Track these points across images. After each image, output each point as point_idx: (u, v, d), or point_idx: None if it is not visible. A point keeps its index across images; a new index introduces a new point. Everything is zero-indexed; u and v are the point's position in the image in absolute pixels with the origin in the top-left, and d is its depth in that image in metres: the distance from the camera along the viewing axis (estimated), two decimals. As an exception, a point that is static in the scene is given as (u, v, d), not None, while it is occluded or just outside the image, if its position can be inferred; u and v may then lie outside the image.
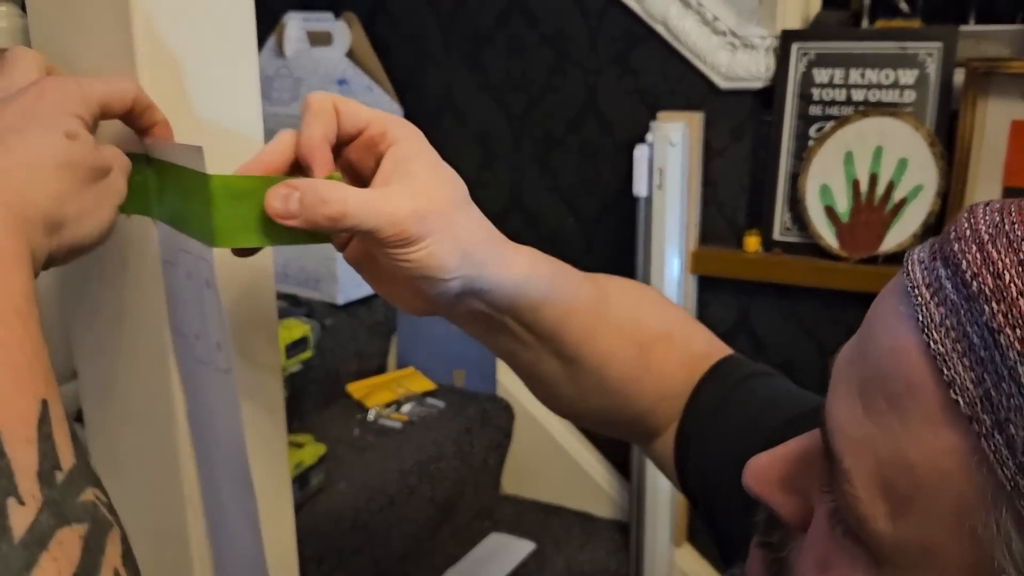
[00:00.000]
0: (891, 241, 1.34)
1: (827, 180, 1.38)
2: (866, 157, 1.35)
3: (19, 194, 0.39)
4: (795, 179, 1.41)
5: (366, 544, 1.31)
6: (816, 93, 1.39)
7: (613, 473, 1.69)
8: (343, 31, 1.65)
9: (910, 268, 0.34)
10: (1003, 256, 0.30)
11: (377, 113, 0.48)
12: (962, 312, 0.30)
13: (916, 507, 0.32)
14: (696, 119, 1.44)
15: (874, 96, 1.36)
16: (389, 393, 1.65)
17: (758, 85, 1.41)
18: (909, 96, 1.33)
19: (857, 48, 1.36)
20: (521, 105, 1.61)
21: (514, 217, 1.65)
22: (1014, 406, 0.29)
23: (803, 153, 1.40)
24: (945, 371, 0.30)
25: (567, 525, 1.64)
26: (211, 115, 0.53)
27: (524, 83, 1.60)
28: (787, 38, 1.39)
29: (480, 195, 1.82)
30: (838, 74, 1.38)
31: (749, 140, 1.44)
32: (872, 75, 1.35)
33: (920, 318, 0.31)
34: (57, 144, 0.41)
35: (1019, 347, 0.29)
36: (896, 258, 1.34)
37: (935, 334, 0.31)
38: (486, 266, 0.49)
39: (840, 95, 1.38)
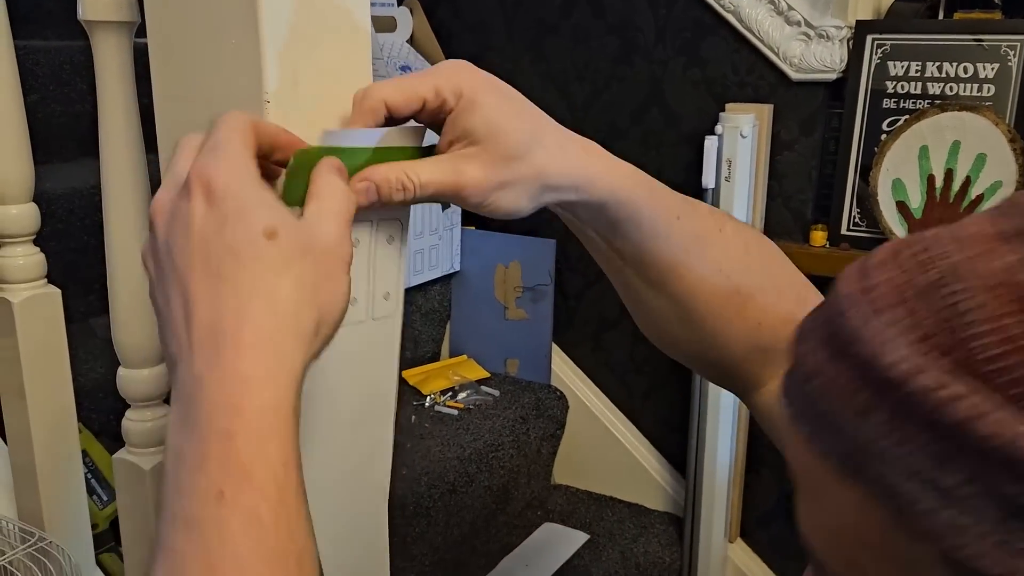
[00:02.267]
0: (966, 238, 1.31)
1: (900, 175, 1.35)
2: (942, 152, 1.32)
3: (277, 350, 0.39)
4: (865, 173, 1.38)
5: (426, 531, 1.31)
6: (890, 86, 1.37)
7: (666, 466, 1.68)
8: (406, 17, 1.65)
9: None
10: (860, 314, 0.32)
11: (431, 83, 0.49)
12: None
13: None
14: (765, 111, 1.42)
15: (951, 90, 1.33)
16: (444, 380, 1.66)
17: (831, 77, 1.38)
18: (988, 90, 1.30)
19: (934, 40, 1.33)
20: (584, 95, 1.60)
21: (573, 207, 1.64)
22: (868, 455, 0.30)
23: (875, 147, 1.37)
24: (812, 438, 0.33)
25: (620, 517, 1.64)
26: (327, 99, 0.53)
27: (588, 73, 1.59)
28: (861, 29, 1.36)
29: None
30: (914, 67, 1.35)
31: (819, 133, 1.42)
32: (949, 68, 1.32)
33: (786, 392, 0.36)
34: (274, 260, 0.40)
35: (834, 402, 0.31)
36: (970, 256, 1.31)
37: (794, 404, 0.34)
38: (564, 191, 0.52)
39: (915, 88, 1.35)
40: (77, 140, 1.43)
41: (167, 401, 0.73)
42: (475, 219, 1.76)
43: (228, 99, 0.52)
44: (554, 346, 1.73)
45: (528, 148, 0.50)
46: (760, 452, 1.58)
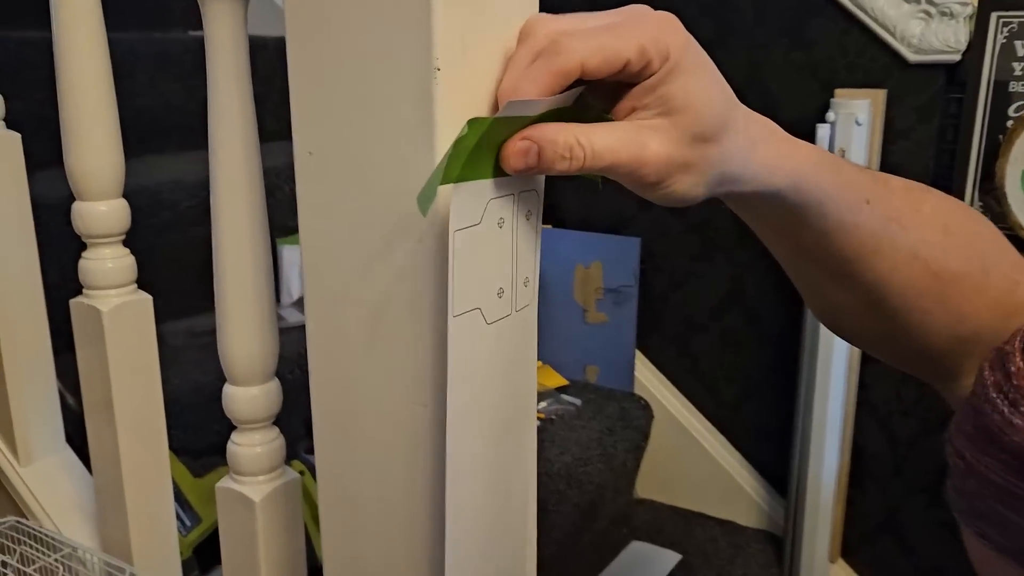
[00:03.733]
0: (1112, 233, 1.20)
1: (1033, 164, 1.23)
2: (1083, 139, 1.20)
3: None
4: (990, 164, 1.27)
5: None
6: (1018, 68, 1.25)
7: (760, 480, 1.57)
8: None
9: None
10: None
11: (635, 42, 0.40)
12: None
13: None
14: (879, 96, 1.31)
15: (1091, 70, 1.21)
16: (522, 389, 1.56)
17: (955, 58, 1.26)
18: None
19: (1070, 16, 1.21)
20: (672, 82, 1.49)
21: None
22: None
23: (1000, 135, 1.26)
24: None
25: (711, 535, 1.53)
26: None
27: (676, 59, 1.49)
28: (985, 6, 1.25)
29: None
30: (1047, 45, 1.23)
31: (937, 120, 1.30)
32: (1089, 46, 1.20)
33: None
34: None
35: None
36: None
37: None
38: (741, 183, 0.45)
39: (1049, 69, 1.23)
40: (138, 136, 1.37)
41: (277, 422, 0.65)
42: (553, 217, 1.66)
43: (388, 71, 0.43)
44: (637, 352, 1.63)
45: (723, 129, 0.43)
46: (866, 465, 1.47)
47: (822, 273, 0.52)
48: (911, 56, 1.29)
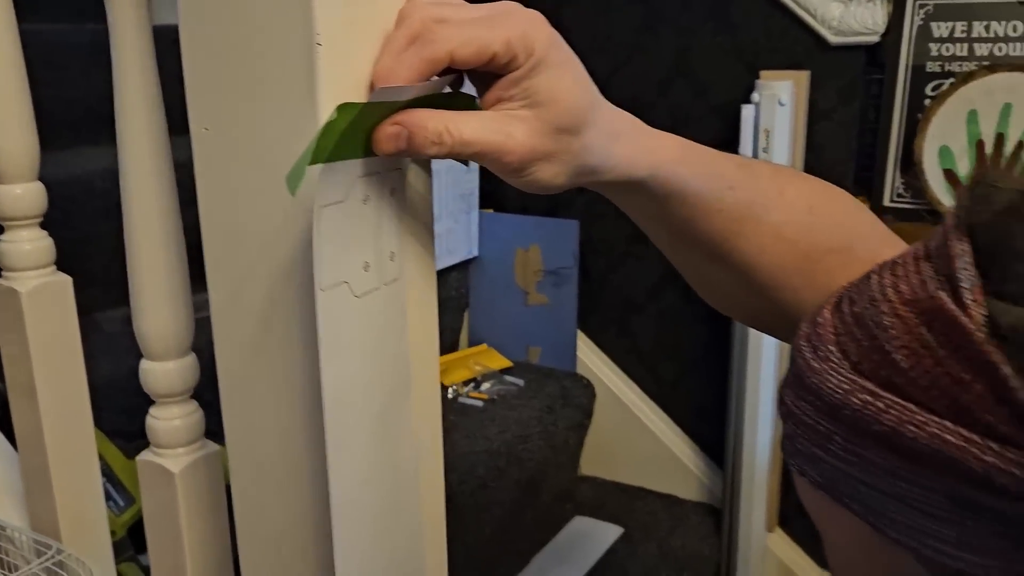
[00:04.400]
0: (1020, 207, 1.25)
1: (947, 141, 1.29)
2: (992, 116, 1.25)
3: None
4: (909, 141, 1.32)
5: (457, 529, 1.24)
6: (934, 48, 1.30)
7: (700, 454, 1.62)
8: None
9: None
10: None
11: (503, 36, 0.43)
12: None
13: None
14: (802, 78, 1.35)
15: (1000, 50, 1.26)
16: (466, 371, 1.59)
17: (873, 40, 1.31)
18: (1041, 49, 1.23)
19: (980, -1, 1.26)
20: (606, 68, 1.52)
21: (596, 186, 1.57)
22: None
23: (919, 113, 1.31)
24: None
25: (652, 508, 1.57)
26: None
27: (610, 45, 1.52)
28: (901, -11, 1.30)
29: None
30: (959, 27, 1.28)
31: (859, 101, 1.35)
32: (998, 28, 1.25)
33: None
34: None
35: None
36: (1024, 225, 1.25)
37: None
38: (602, 173, 0.48)
39: (961, 50, 1.28)
40: (71, 127, 1.36)
41: (195, 396, 0.66)
42: (492, 201, 1.68)
43: (272, 46, 0.44)
44: (578, 332, 1.66)
45: (584, 123, 0.46)
46: (799, 437, 1.52)
47: (694, 254, 0.55)
48: (832, 38, 1.33)
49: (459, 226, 1.62)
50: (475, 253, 1.67)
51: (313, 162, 0.40)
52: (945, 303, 0.29)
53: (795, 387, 0.35)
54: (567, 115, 0.45)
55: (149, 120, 0.59)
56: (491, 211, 1.67)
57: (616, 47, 1.51)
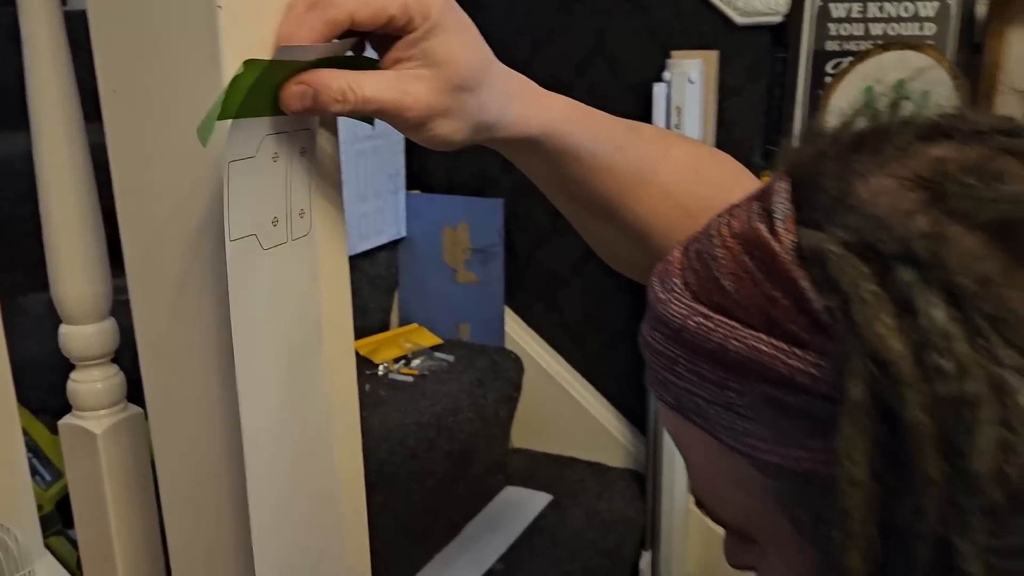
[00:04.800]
0: (913, 176, 1.33)
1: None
2: (887, 91, 1.33)
3: None
4: (814, 116, 1.39)
5: (389, 499, 1.27)
6: (833, 28, 1.37)
7: (626, 423, 1.67)
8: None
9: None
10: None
11: (402, 2, 0.46)
12: None
13: None
14: (711, 57, 1.41)
15: (893, 30, 1.33)
16: (396, 348, 1.61)
17: (776, 20, 1.38)
18: (930, 29, 1.31)
19: (874, -19, 1.34)
20: (527, 50, 1.56)
21: (520, 165, 1.61)
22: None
23: (820, 90, 1.38)
24: None
25: (581, 476, 1.63)
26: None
27: (528, 26, 1.55)
28: (802, -28, 1.36)
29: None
30: (856, 8, 1.35)
31: (765, 78, 1.42)
32: (891, 8, 1.33)
33: None
34: None
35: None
36: (917, 194, 1.33)
37: None
38: (498, 130, 0.51)
39: (858, 30, 1.35)
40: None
41: (115, 360, 0.68)
42: (419, 182, 1.71)
43: (174, 9, 0.47)
44: (506, 308, 1.70)
45: (478, 82, 0.49)
46: (717, 402, 1.59)
47: (589, 213, 0.58)
48: (738, 19, 1.39)
49: (387, 206, 1.64)
50: (403, 233, 1.69)
51: (222, 117, 0.43)
52: (762, 232, 0.34)
53: (649, 320, 0.39)
54: (463, 74, 0.48)
55: (61, 97, 0.60)
56: (418, 192, 1.70)
57: (536, 29, 1.55)
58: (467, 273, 1.69)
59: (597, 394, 1.69)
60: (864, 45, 1.35)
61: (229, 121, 0.44)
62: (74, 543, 0.95)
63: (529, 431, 1.73)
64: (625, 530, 1.51)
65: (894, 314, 0.29)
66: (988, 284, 0.29)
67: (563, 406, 1.69)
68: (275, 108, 0.46)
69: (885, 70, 1.32)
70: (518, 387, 1.68)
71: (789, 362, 0.32)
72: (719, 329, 0.34)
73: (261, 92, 0.45)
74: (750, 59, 1.41)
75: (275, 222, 0.49)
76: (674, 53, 1.42)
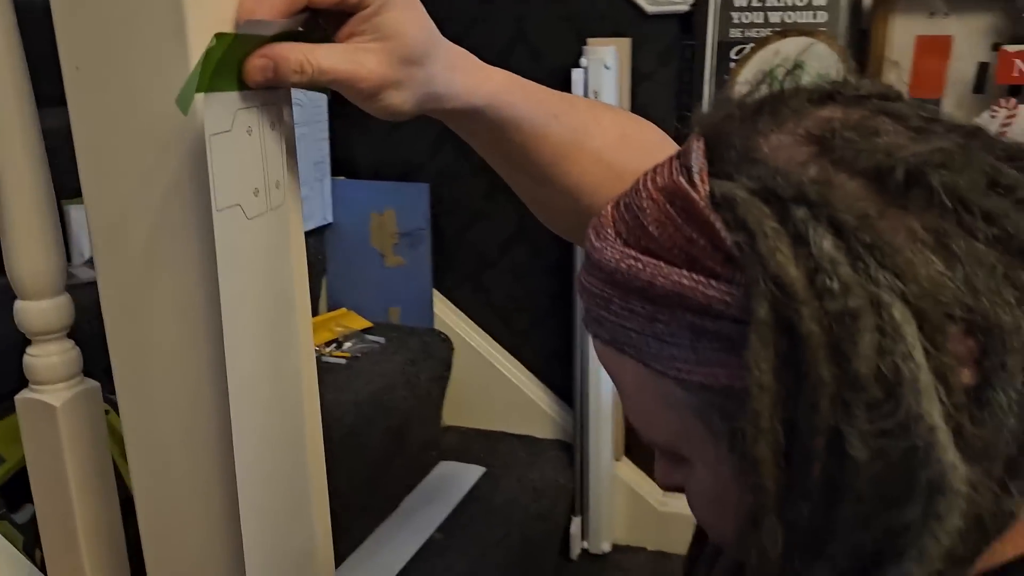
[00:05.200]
0: (811, 154, 1.44)
1: (750, 99, 1.45)
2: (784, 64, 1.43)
3: None
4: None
5: (329, 475, 1.30)
6: (736, 17, 1.46)
7: (553, 397, 1.74)
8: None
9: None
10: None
11: None
12: None
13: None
14: (625, 44, 1.48)
15: (790, 18, 1.43)
16: (327, 332, 1.64)
17: (684, 9, 1.46)
18: (822, 16, 1.41)
19: (772, -28, 1.43)
20: (450, 36, 1.59)
21: (445, 148, 1.66)
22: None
23: (725, 75, 1.47)
24: None
25: (512, 448, 1.69)
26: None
27: (453, 15, 1.59)
28: (707, -36, 1.45)
29: (408, 130, 1.84)
30: (756, -2, 1.45)
31: (675, 64, 1.50)
32: (787, -2, 1.43)
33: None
34: None
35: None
36: (816, 170, 1.44)
37: None
38: (445, 101, 0.56)
39: (758, 18, 1.45)
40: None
41: (71, 335, 0.70)
42: (345, 169, 1.74)
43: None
44: (435, 291, 1.75)
45: (425, 55, 0.53)
46: (639, 372, 1.67)
47: (528, 178, 0.63)
48: (649, 8, 1.47)
49: (313, 193, 1.66)
50: (330, 219, 1.72)
51: (199, 89, 0.46)
52: (681, 184, 0.40)
53: (586, 267, 0.44)
54: (412, 47, 0.52)
55: (13, 80, 0.62)
56: (343, 178, 1.72)
57: (459, 17, 1.59)
58: (395, 257, 1.73)
59: (525, 370, 1.75)
60: (764, 32, 1.45)
61: (201, 96, 0.47)
62: (19, 527, 0.96)
63: (460, 409, 1.79)
64: (556, 495, 1.58)
65: (791, 245, 0.35)
66: (866, 219, 0.35)
67: (493, 383, 1.75)
68: (241, 83, 0.50)
69: (783, 56, 1.42)
70: (448, 366, 1.73)
71: (707, 292, 0.38)
72: (647, 268, 0.39)
73: (228, 67, 0.49)
74: (660, 46, 1.50)
75: (256, 192, 0.53)
76: (590, 40, 1.49)
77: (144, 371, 0.58)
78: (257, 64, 0.49)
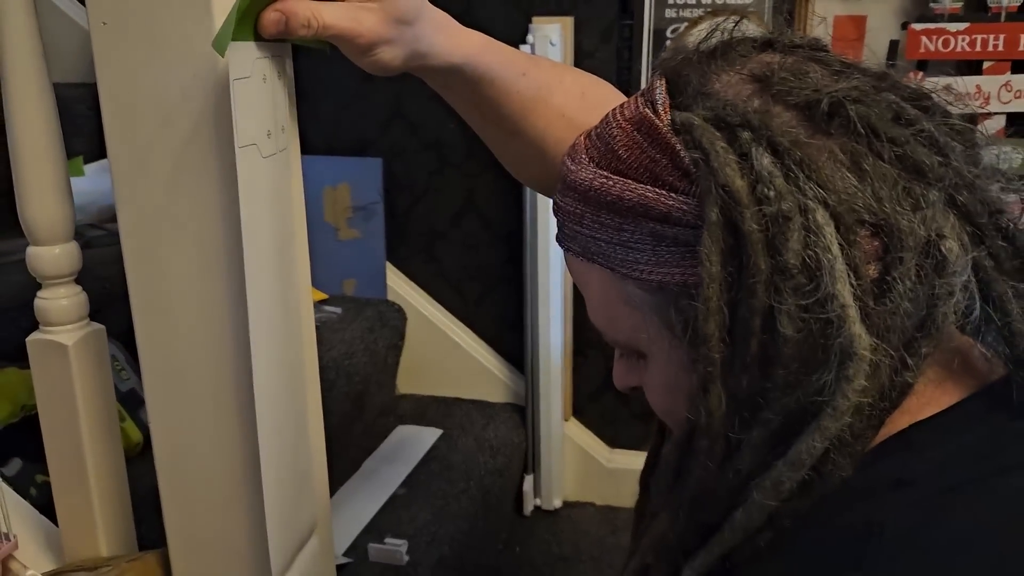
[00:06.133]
0: (742, 125, 1.55)
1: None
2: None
3: None
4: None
5: (297, 435, 1.36)
6: (671, -2, 1.56)
7: (504, 363, 1.82)
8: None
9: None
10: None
11: None
12: None
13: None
14: (568, 22, 1.56)
15: (721, -1, 1.54)
16: (285, 305, 1.68)
17: (623, -11, 1.55)
18: (750, -3, 1.53)
19: (703, -44, 1.53)
20: (397, 15, 1.66)
21: (396, 122, 1.71)
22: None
23: (662, 52, 1.57)
24: None
25: (467, 411, 1.76)
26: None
27: (398, -6, 1.65)
28: (643, -53, 1.54)
29: (361, 106, 1.91)
30: (689, -21, 1.55)
31: (615, 42, 1.59)
32: (718, -20, 1.54)
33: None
34: None
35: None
36: (746, 140, 1.55)
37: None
38: (429, 59, 0.63)
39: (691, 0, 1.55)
40: None
41: (78, 281, 0.75)
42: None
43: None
44: (387, 263, 1.81)
45: (416, 17, 0.61)
46: (587, 337, 1.77)
47: (500, 132, 0.71)
48: (590, -12, 1.55)
49: (266, 170, 1.69)
50: (284, 195, 1.76)
51: (234, 37, 0.52)
52: (647, 114, 0.48)
53: (560, 190, 0.52)
54: (404, 9, 0.60)
55: (30, 44, 0.67)
56: (297, 154, 1.76)
57: (405, -3, 1.65)
58: (350, 231, 1.78)
59: (477, 338, 1.82)
60: (697, 13, 1.55)
61: (228, 43, 0.53)
62: (8, 480, 0.99)
63: (415, 377, 1.85)
64: (511, 453, 1.66)
65: (737, 162, 0.44)
66: (797, 142, 0.44)
67: (446, 351, 1.82)
68: (256, 35, 0.56)
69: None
70: (402, 335, 1.80)
71: (667, 202, 0.46)
72: (616, 185, 0.47)
73: (248, 18, 0.55)
74: (602, 25, 1.58)
75: (269, 134, 0.59)
76: (535, 19, 1.57)
77: (165, 299, 0.64)
78: (272, 17, 0.56)
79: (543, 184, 0.77)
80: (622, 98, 0.76)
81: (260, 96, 0.58)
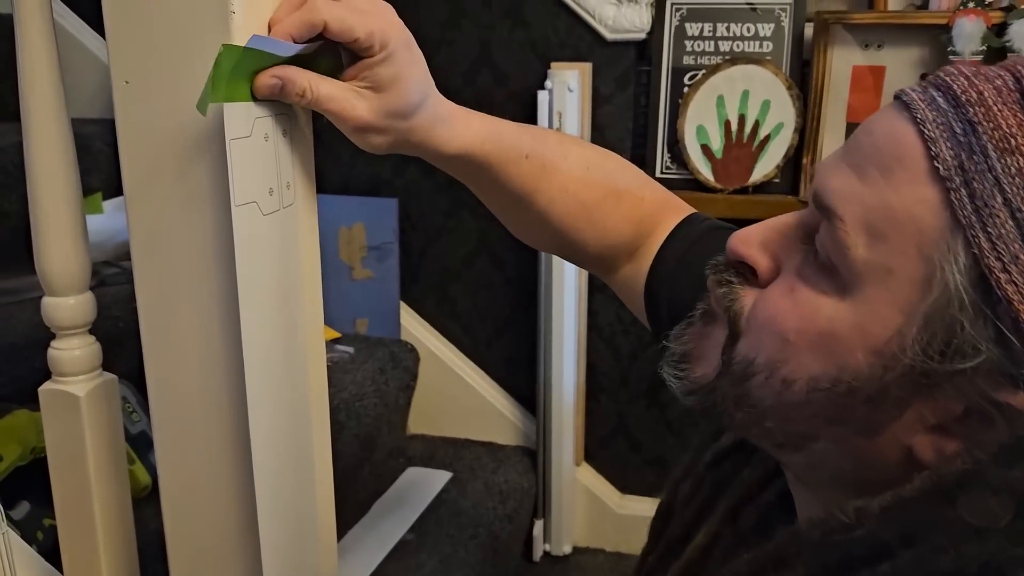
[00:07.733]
0: (759, 172, 1.55)
1: (702, 121, 1.56)
2: (735, 100, 1.54)
3: None
4: (673, 122, 1.58)
5: (305, 477, 1.35)
6: (689, 45, 1.57)
7: (515, 404, 1.81)
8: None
9: (905, 93, 0.45)
10: (982, 83, 0.44)
11: (368, 27, 0.56)
12: (950, 115, 0.42)
13: (889, 239, 0.42)
14: (586, 68, 1.57)
15: (738, 47, 1.55)
16: (298, 343, 1.68)
17: (641, 36, 1.56)
18: (768, 46, 1.53)
19: (720, 5, 1.54)
20: (416, 58, 1.67)
21: (412, 163, 1.72)
22: (978, 171, 0.41)
23: (679, 99, 1.57)
24: (932, 147, 0.42)
25: (477, 455, 1.75)
26: None
27: (418, 38, 1.66)
28: (661, -5, 1.55)
29: None
30: (707, 27, 1.56)
31: (632, 88, 1.60)
32: (735, 28, 1.54)
33: (917, 115, 0.43)
34: None
35: (990, 134, 0.41)
36: (763, 188, 1.55)
37: (928, 125, 0.42)
38: (419, 150, 0.63)
39: (709, 46, 1.56)
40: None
41: (92, 331, 0.74)
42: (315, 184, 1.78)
43: (190, 10, 0.56)
44: (401, 302, 1.81)
45: (411, 112, 0.60)
46: (598, 380, 1.75)
47: (505, 205, 0.71)
48: (608, 35, 1.56)
49: (283, 208, 1.70)
50: (299, 233, 1.76)
51: (212, 99, 0.52)
52: None
53: (1016, 89, 0.42)
54: (401, 104, 0.59)
55: (52, 90, 0.67)
56: (313, 193, 1.77)
57: (425, 40, 1.65)
58: (363, 270, 1.78)
59: (489, 379, 1.82)
60: (714, 60, 1.55)
61: (224, 105, 0.53)
62: (16, 524, 0.98)
63: (426, 417, 1.84)
64: (521, 498, 1.64)
65: None
66: None
67: (457, 392, 1.81)
68: (254, 96, 0.56)
69: (733, 81, 1.53)
70: (415, 376, 1.79)
71: None
72: None
73: (243, 81, 0.55)
74: (619, 71, 1.59)
75: (271, 192, 0.59)
76: (553, 64, 1.58)
77: (176, 346, 0.64)
78: (268, 82, 0.55)
79: (551, 248, 0.77)
80: (629, 169, 0.76)
81: (262, 154, 0.58)
